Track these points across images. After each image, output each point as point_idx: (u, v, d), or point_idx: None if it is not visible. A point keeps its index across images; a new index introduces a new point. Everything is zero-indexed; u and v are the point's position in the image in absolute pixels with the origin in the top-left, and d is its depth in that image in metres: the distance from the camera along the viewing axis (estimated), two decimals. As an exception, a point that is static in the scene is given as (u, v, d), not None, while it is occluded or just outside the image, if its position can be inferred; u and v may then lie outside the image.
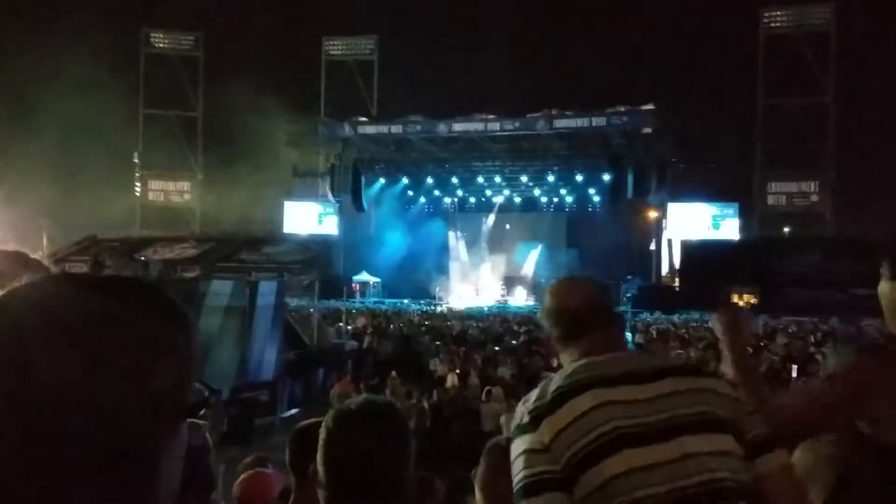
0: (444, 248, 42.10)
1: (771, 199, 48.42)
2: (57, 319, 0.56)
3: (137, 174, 57.98)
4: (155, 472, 0.59)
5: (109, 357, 0.56)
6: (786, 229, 44.82)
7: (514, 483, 1.51)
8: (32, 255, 1.89)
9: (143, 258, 39.02)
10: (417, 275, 38.71)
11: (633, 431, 1.44)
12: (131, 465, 0.57)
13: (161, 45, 58.27)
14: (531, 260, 40.42)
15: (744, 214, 43.13)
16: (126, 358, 0.57)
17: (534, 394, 1.57)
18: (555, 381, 1.56)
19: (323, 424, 1.45)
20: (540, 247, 40.15)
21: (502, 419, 9.65)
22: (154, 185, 58.89)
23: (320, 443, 1.43)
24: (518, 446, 1.52)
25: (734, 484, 1.43)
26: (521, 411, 1.56)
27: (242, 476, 2.95)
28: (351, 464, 1.39)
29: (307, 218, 48.25)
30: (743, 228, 42.54)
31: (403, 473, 1.43)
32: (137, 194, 58.02)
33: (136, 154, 57.48)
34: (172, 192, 59.29)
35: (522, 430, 1.52)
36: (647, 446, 1.44)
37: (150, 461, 0.58)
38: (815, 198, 47.69)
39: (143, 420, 0.57)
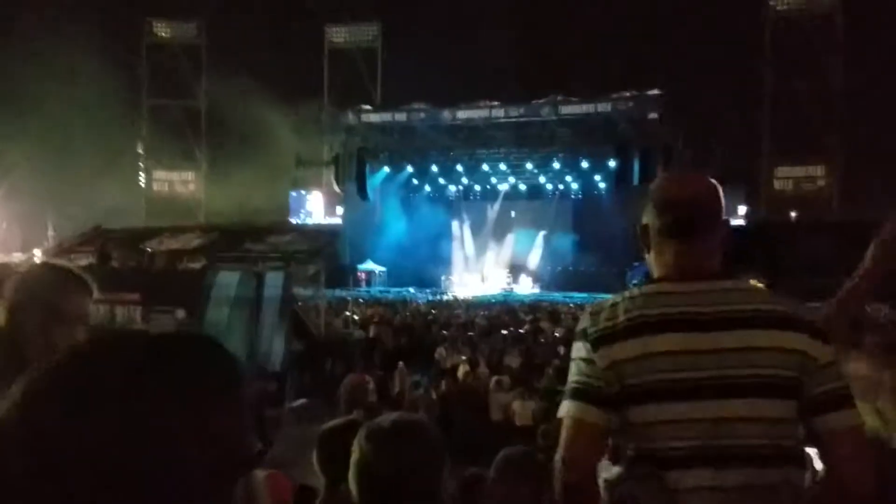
0: (450, 237, 42.01)
1: (778, 184, 48.18)
2: (120, 380, 0.56)
3: (142, 165, 57.95)
4: None
5: (169, 418, 0.56)
6: (793, 214, 44.62)
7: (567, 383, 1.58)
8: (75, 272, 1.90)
9: (148, 249, 39.05)
10: (423, 263, 38.67)
11: (679, 386, 1.45)
12: None
13: (163, 34, 58.03)
14: (537, 248, 40.35)
15: (750, 199, 42.93)
16: (185, 417, 0.57)
17: (606, 308, 1.57)
18: (627, 304, 1.54)
19: (356, 442, 1.45)
20: (545, 234, 40.05)
21: (516, 405, 9.67)
22: (158, 175, 58.87)
23: (353, 460, 1.42)
24: (577, 351, 1.57)
25: (766, 450, 1.42)
26: (588, 322, 1.56)
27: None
28: (384, 482, 1.38)
29: (312, 207, 48.16)
30: (749, 213, 42.36)
31: (436, 490, 1.42)
32: (142, 185, 58.01)
33: (139, 144, 57.43)
34: (177, 182, 59.27)
35: (584, 338, 1.55)
36: (688, 402, 1.44)
37: None
38: (822, 182, 47.44)
39: (204, 479, 0.57)
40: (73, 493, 0.53)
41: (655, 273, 1.64)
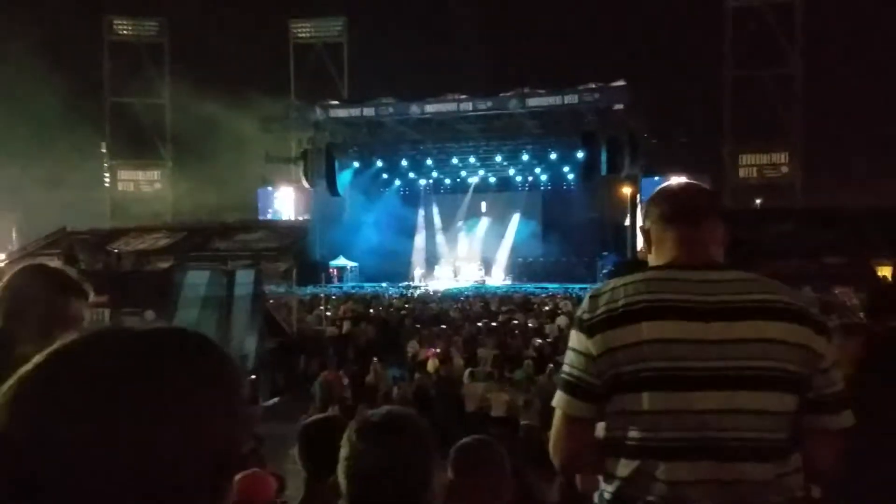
0: (421, 231, 42.01)
1: (742, 172, 48.96)
2: (111, 380, 0.55)
3: (106, 164, 56.99)
4: None
5: (165, 416, 0.55)
6: (757, 201, 45.40)
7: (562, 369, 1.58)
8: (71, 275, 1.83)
9: (115, 250, 38.43)
10: (395, 258, 38.59)
11: (678, 375, 1.42)
12: None
13: (124, 32, 57.05)
14: (508, 240, 40.53)
15: (716, 187, 43.59)
16: (182, 416, 0.56)
17: (607, 291, 1.55)
18: (629, 288, 1.52)
19: (345, 437, 1.43)
20: (516, 226, 40.24)
21: (491, 396, 9.74)
22: (123, 175, 57.99)
23: (342, 455, 1.41)
24: (573, 340, 1.56)
25: (765, 443, 1.42)
26: (586, 307, 1.55)
27: (239, 476, 2.89)
28: (374, 477, 1.36)
29: (281, 204, 47.77)
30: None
31: (427, 486, 1.41)
32: (107, 185, 57.05)
33: (103, 144, 56.46)
34: (142, 181, 58.44)
35: (580, 327, 1.54)
36: (687, 392, 1.42)
37: None
38: (785, 169, 48.28)
39: (202, 477, 0.56)
40: (64, 494, 0.52)
41: (658, 263, 1.63)
